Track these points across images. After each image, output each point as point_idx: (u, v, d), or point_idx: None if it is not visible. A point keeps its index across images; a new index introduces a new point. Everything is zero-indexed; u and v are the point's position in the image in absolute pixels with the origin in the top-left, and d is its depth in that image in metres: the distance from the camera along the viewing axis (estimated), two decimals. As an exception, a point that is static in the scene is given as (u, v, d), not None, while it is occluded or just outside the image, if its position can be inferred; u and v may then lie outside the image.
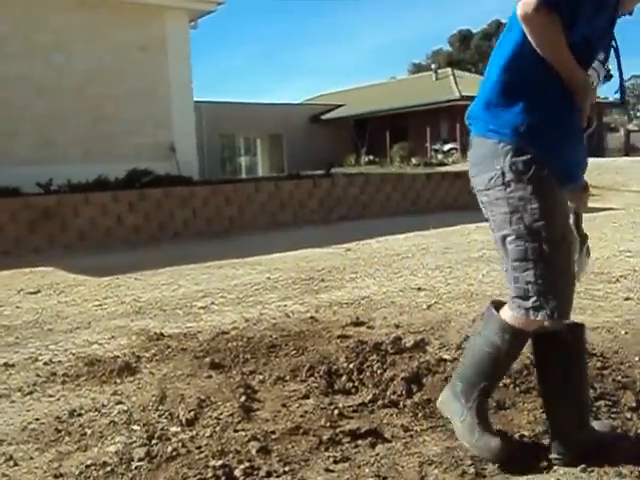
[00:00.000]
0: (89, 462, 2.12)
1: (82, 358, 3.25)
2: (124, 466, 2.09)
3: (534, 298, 1.95)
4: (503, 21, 47.38)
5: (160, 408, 2.56)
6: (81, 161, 10.45)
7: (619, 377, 2.70)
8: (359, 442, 2.21)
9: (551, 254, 1.93)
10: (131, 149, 11.02)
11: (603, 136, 32.26)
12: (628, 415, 2.35)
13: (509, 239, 1.98)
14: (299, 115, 26.57)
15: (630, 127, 39.81)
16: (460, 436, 2.09)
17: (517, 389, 2.59)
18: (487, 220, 2.08)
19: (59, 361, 3.25)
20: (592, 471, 1.97)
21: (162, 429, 2.36)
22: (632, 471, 1.95)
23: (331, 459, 2.09)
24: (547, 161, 1.94)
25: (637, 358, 2.96)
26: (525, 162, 1.94)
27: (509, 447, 2.05)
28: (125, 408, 2.59)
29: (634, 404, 2.42)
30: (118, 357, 3.25)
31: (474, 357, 2.12)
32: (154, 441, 2.25)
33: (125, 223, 8.51)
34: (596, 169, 15.79)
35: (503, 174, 1.96)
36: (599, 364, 2.84)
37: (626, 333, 3.40)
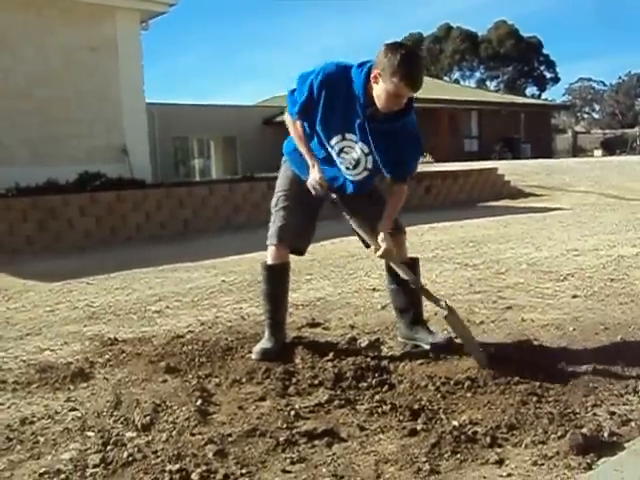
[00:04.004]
0: (42, 470, 2.08)
1: (33, 365, 3.19)
2: (79, 473, 2.06)
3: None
4: (453, 25, 48.13)
5: (115, 414, 2.53)
6: (29, 164, 10.19)
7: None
8: (316, 442, 2.23)
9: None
10: (82, 151, 10.82)
11: (552, 137, 33.02)
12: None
13: None
14: (252, 117, 26.45)
15: (577, 129, 40.86)
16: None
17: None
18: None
19: (9, 368, 3.18)
20: (543, 464, 2.03)
21: (117, 435, 2.33)
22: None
23: (288, 460, 2.11)
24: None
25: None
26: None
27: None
28: (79, 414, 2.55)
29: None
30: (71, 363, 3.20)
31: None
32: (109, 447, 2.23)
33: (76, 227, 8.35)
34: (545, 170, 16.19)
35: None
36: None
37: (574, 330, 3.50)
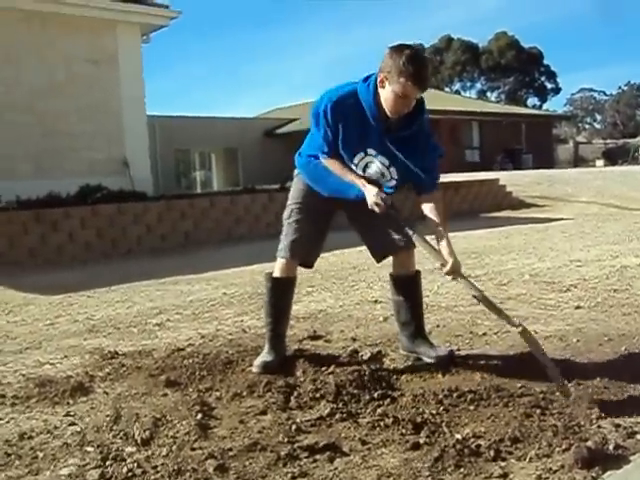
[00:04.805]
0: (41, 486, 2.06)
1: (33, 379, 3.16)
2: (77, 489, 2.03)
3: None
4: (454, 36, 48.33)
5: (114, 428, 2.51)
6: (31, 177, 10.21)
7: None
8: (317, 457, 2.20)
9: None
10: (83, 164, 10.84)
11: (553, 148, 33.03)
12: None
13: None
14: (254, 129, 26.52)
15: (579, 139, 40.90)
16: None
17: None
18: None
19: (8, 383, 3.16)
20: (547, 478, 2.00)
21: (117, 450, 2.30)
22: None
23: (289, 475, 2.08)
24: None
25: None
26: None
27: None
28: (78, 429, 2.53)
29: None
30: (71, 377, 3.17)
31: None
32: (108, 462, 2.20)
33: (77, 240, 8.35)
34: (547, 180, 16.18)
35: None
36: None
37: (578, 341, 3.47)
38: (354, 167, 2.99)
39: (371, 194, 2.88)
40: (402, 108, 2.80)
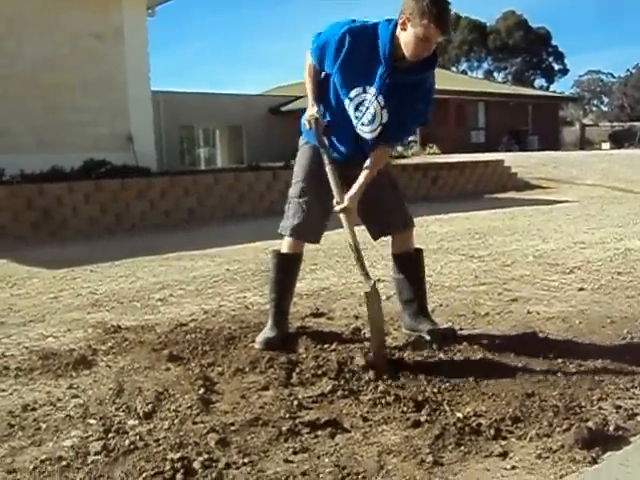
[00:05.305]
0: (44, 457, 2.07)
1: (36, 352, 3.18)
2: (80, 460, 2.05)
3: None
4: (461, 15, 47.73)
5: (117, 401, 2.52)
6: (35, 151, 10.18)
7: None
8: (318, 433, 2.21)
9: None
10: (87, 139, 10.79)
11: (559, 130, 32.86)
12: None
13: None
14: (258, 106, 26.36)
15: (585, 121, 40.65)
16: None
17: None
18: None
19: (12, 355, 3.17)
20: (547, 457, 2.01)
21: (119, 422, 2.32)
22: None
23: (290, 450, 2.09)
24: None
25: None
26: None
27: None
28: (81, 402, 2.54)
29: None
30: (74, 350, 3.19)
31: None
32: (111, 435, 2.22)
33: (81, 215, 8.36)
34: (552, 162, 16.12)
35: None
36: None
37: (580, 323, 3.47)
38: (348, 101, 2.95)
39: (311, 111, 2.97)
40: (422, 51, 2.77)
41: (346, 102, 2.96)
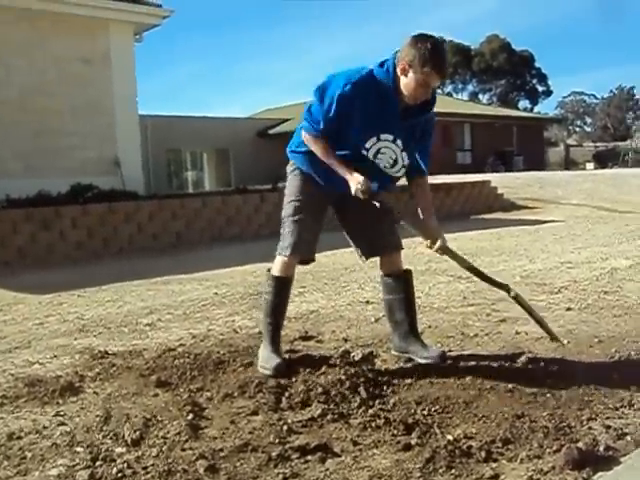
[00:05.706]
0: (29, 487, 2.04)
1: (22, 379, 3.14)
2: (66, 490, 2.02)
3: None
4: (446, 38, 48.30)
5: (104, 428, 2.49)
6: (22, 176, 10.16)
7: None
8: (309, 457, 2.19)
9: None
10: (74, 163, 10.79)
11: (544, 150, 33.18)
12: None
13: None
14: (246, 129, 26.49)
15: (569, 142, 41.07)
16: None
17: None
18: None
19: (-3, 382, 3.14)
20: (538, 479, 2.00)
21: (107, 450, 2.29)
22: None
23: (280, 476, 2.07)
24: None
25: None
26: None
27: None
28: (68, 429, 2.51)
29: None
30: (60, 377, 3.15)
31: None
32: (98, 462, 2.19)
33: (68, 239, 8.31)
34: (537, 183, 16.24)
35: None
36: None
37: (568, 342, 3.48)
38: (365, 152, 2.97)
39: (356, 181, 2.89)
40: (422, 96, 2.88)
41: (363, 152, 2.98)
